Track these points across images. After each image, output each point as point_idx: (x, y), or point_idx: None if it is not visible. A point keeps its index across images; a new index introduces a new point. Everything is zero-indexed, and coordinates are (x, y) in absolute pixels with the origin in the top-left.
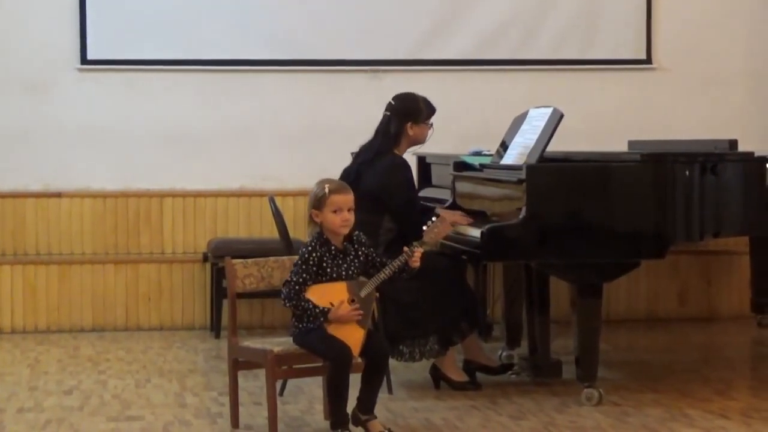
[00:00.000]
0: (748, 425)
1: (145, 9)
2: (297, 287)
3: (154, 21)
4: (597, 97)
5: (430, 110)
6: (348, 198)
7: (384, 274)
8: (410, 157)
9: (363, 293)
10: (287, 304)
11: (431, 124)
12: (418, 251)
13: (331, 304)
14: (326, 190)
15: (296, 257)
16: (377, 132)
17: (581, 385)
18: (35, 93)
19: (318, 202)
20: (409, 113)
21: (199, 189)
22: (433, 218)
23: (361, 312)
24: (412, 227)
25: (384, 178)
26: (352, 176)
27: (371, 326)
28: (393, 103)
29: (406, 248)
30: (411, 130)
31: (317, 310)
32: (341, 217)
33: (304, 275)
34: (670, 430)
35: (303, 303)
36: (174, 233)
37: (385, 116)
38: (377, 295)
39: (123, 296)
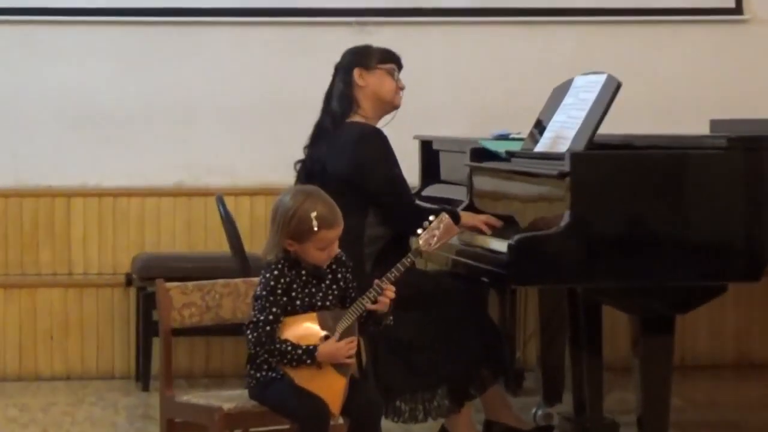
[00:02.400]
0: None
1: None
2: (269, 328)
3: None
4: (667, 61)
5: (387, 53)
6: (339, 230)
7: (354, 312)
8: (410, 140)
9: (340, 327)
10: (260, 352)
11: (395, 74)
12: (388, 289)
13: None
14: (314, 224)
15: (254, 280)
16: (326, 99)
17: None
18: None
19: (300, 234)
20: (354, 59)
21: (120, 186)
22: (431, 217)
23: (354, 345)
24: (404, 221)
25: (352, 156)
26: (315, 165)
27: (356, 374)
28: (339, 60)
29: (377, 281)
30: (361, 79)
31: (299, 351)
32: (328, 253)
33: (274, 309)
34: None
35: (279, 346)
36: (86, 247)
37: (331, 79)
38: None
39: (15, 334)
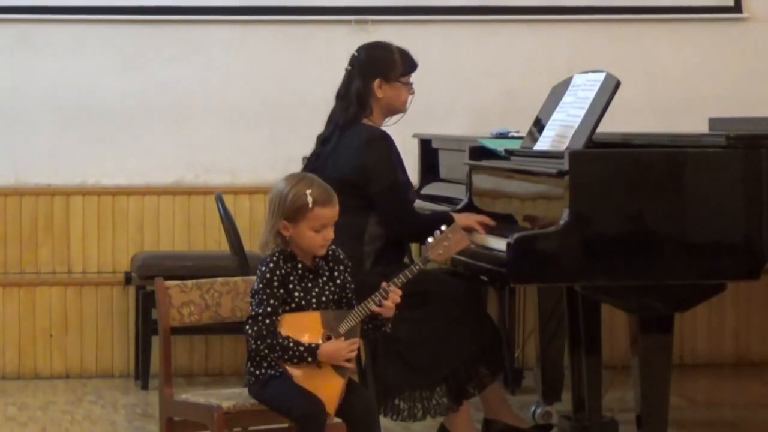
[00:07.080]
0: None
1: None
2: (269, 321)
3: None
4: (666, 59)
5: (409, 64)
6: (335, 211)
7: (358, 314)
8: (409, 139)
9: (343, 329)
10: (261, 346)
11: (411, 85)
12: (393, 294)
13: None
14: (309, 200)
15: (253, 278)
16: (338, 97)
17: None
18: None
19: (295, 212)
20: (377, 67)
21: (119, 185)
22: (443, 227)
23: (356, 347)
24: (401, 228)
25: (357, 159)
26: (320, 162)
27: (355, 375)
28: (357, 54)
29: (384, 285)
30: (380, 90)
31: (301, 348)
32: (323, 236)
33: (272, 302)
34: None
35: (282, 341)
36: (85, 245)
37: (346, 73)
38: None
39: (14, 332)
